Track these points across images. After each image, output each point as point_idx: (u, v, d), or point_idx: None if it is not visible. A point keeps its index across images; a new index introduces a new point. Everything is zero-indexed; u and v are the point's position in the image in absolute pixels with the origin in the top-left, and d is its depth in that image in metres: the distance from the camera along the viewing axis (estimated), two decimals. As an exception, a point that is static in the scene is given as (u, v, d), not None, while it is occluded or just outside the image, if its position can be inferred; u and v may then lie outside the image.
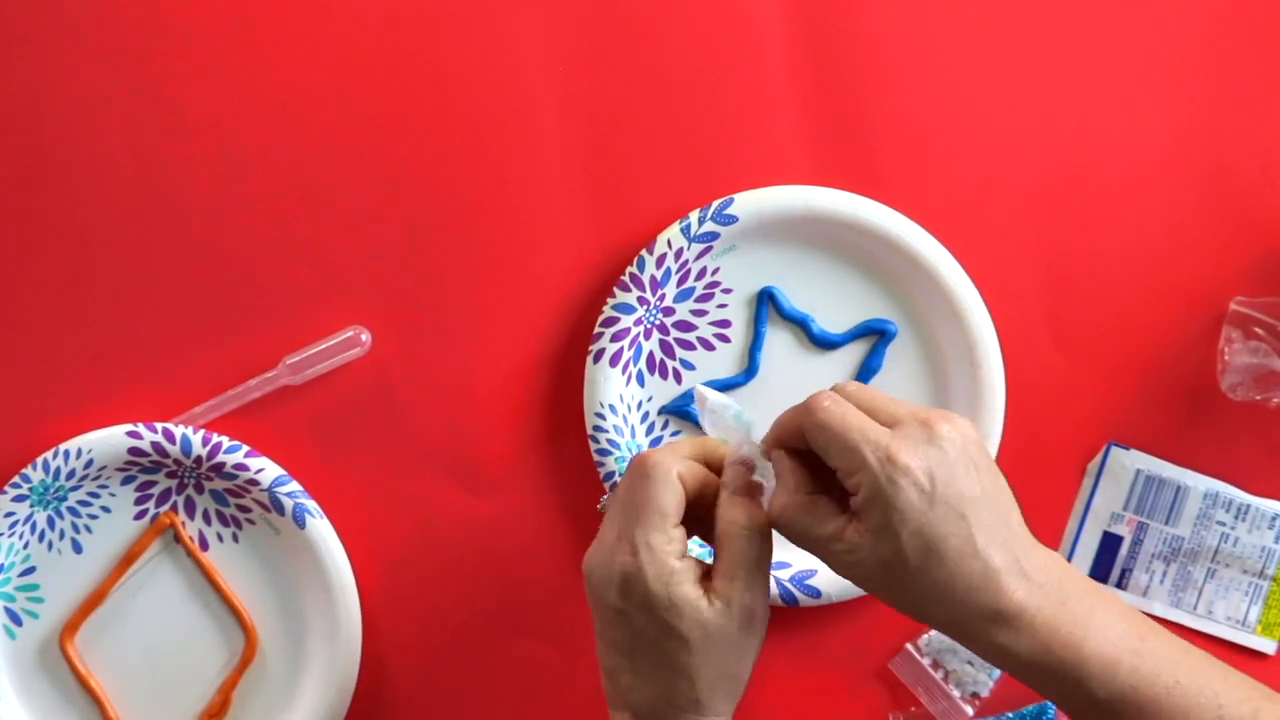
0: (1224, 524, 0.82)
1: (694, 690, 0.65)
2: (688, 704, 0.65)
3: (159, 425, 0.81)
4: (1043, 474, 0.83)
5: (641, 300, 0.82)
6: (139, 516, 0.83)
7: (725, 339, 0.83)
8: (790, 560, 0.81)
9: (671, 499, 0.64)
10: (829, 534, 0.63)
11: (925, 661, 0.81)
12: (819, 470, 0.65)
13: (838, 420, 0.62)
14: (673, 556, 0.64)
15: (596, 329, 0.82)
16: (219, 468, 0.81)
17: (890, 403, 0.64)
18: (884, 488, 0.60)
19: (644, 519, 0.64)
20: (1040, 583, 0.62)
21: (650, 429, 0.83)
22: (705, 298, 0.83)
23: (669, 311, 0.83)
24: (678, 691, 0.65)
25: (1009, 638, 0.61)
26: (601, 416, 0.81)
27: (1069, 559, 0.82)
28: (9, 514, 0.81)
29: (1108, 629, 0.62)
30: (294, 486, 0.82)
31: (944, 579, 0.61)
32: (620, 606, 0.64)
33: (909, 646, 0.82)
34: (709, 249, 0.82)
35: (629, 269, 0.82)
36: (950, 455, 0.61)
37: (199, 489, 0.83)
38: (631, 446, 0.82)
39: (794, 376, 0.83)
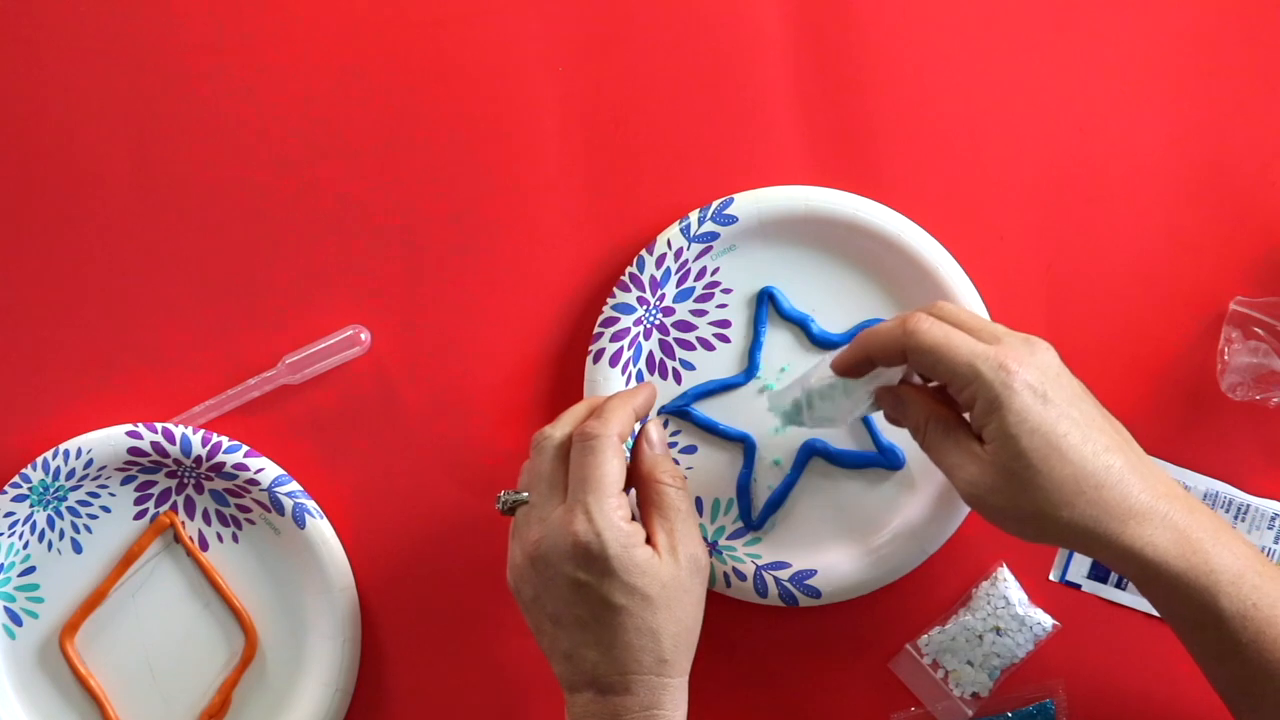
0: (1224, 524, 0.82)
1: (659, 648, 0.67)
2: (654, 664, 0.67)
3: (159, 425, 0.81)
4: (1043, 474, 0.83)
5: (641, 300, 0.82)
6: (139, 516, 0.83)
7: (725, 339, 0.83)
8: (790, 560, 0.81)
9: (619, 467, 0.68)
10: (958, 453, 0.65)
11: (925, 661, 0.81)
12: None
13: (943, 339, 0.65)
14: (625, 520, 0.67)
15: (596, 329, 0.82)
16: (219, 468, 0.81)
17: (985, 321, 0.67)
18: (1000, 393, 0.63)
19: (594, 488, 0.67)
20: (1165, 487, 0.64)
21: (650, 429, 0.83)
22: (705, 298, 0.83)
23: (669, 311, 0.83)
24: (644, 652, 0.67)
25: (1146, 534, 0.62)
26: (601, 416, 0.81)
27: (1067, 560, 0.82)
28: (9, 514, 0.81)
29: (1232, 543, 0.64)
30: (294, 486, 0.82)
31: (1070, 477, 0.62)
32: (579, 578, 0.66)
33: (909, 646, 0.81)
34: (709, 249, 0.82)
35: (629, 269, 0.82)
36: (1054, 364, 0.65)
37: (199, 489, 0.83)
38: (630, 447, 0.82)
39: (794, 377, 0.83)
